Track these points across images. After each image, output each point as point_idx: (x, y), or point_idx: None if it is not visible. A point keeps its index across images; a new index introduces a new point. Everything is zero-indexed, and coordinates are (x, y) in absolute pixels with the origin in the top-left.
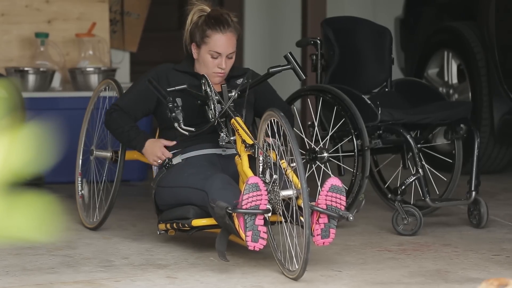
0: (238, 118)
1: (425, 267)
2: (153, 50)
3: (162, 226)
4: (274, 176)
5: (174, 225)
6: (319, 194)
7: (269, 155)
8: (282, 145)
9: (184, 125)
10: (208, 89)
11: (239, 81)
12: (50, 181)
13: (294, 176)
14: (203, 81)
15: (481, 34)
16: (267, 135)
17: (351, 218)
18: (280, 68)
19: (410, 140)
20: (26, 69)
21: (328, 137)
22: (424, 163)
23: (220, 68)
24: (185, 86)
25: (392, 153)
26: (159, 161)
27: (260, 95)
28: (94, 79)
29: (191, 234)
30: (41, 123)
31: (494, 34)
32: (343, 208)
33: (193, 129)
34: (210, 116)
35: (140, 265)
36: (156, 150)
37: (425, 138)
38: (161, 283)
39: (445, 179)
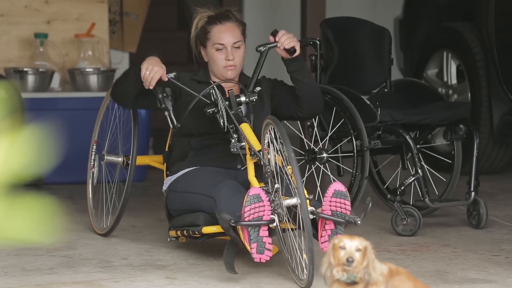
0: (245, 124)
1: (425, 268)
2: (152, 51)
3: (172, 233)
4: (276, 185)
5: (185, 232)
6: (323, 201)
7: (268, 165)
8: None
9: (196, 133)
10: (216, 96)
11: (257, 89)
12: (49, 181)
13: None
14: (211, 86)
15: (480, 34)
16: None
17: (359, 222)
18: (268, 46)
19: (410, 141)
20: (25, 69)
21: (328, 137)
22: (423, 163)
23: (229, 60)
24: (198, 96)
25: (391, 154)
26: (146, 72)
27: (279, 97)
28: (93, 79)
29: (202, 241)
30: (40, 125)
31: (493, 34)
32: (348, 213)
33: (178, 124)
34: (221, 123)
35: (140, 265)
36: (154, 66)
37: (424, 138)
38: (160, 283)
39: (445, 180)
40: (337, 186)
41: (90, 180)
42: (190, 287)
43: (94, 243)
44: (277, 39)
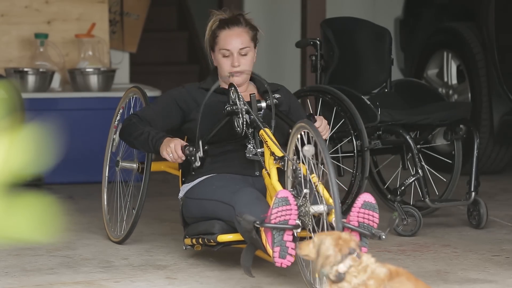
0: (267, 129)
1: (425, 268)
2: (153, 51)
3: (188, 241)
4: (305, 190)
5: (200, 240)
6: (350, 211)
7: (299, 168)
8: (313, 158)
9: (213, 139)
10: (237, 99)
11: (276, 95)
12: (49, 181)
13: (325, 191)
14: (232, 89)
15: (480, 34)
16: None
17: (383, 237)
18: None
19: (410, 141)
20: (25, 69)
21: (328, 137)
22: (423, 163)
23: (234, 66)
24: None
25: (391, 154)
26: (170, 155)
27: (293, 112)
28: (93, 79)
29: (217, 249)
30: (40, 124)
31: (494, 34)
32: (375, 225)
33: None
34: (236, 125)
35: (140, 265)
36: (170, 144)
37: (424, 138)
38: (161, 283)
39: (445, 180)
40: (367, 197)
41: (110, 146)
42: (190, 287)
43: (94, 243)
44: None
